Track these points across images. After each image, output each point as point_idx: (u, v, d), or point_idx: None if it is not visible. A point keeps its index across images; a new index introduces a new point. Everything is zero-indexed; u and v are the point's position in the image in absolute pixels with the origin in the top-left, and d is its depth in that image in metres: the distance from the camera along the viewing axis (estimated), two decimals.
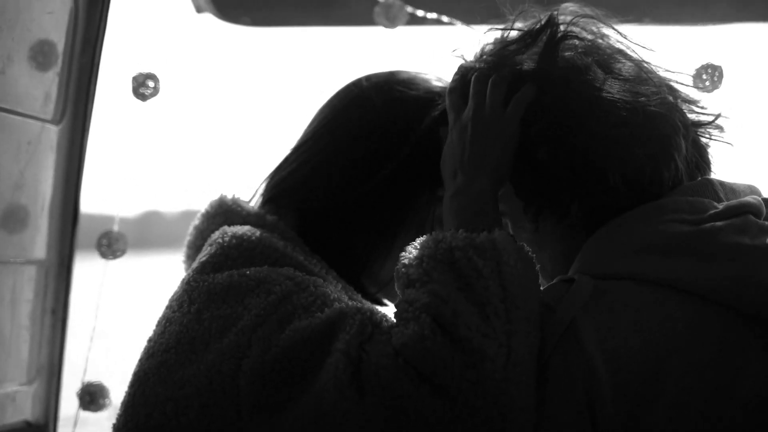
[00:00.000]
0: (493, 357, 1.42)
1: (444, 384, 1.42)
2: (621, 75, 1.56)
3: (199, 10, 2.64)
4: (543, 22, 1.61)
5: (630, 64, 1.58)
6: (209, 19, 2.65)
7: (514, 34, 1.64)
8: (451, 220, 1.57)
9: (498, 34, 1.66)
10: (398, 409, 1.42)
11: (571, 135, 1.53)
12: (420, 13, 2.37)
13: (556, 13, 1.61)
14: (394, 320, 1.53)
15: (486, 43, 1.68)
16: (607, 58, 1.58)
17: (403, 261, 1.53)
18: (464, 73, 1.67)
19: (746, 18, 2.45)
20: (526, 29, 1.63)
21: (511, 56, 1.62)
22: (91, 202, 2.41)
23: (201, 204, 1.86)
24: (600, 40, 1.60)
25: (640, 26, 1.65)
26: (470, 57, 1.70)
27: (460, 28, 2.41)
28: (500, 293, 1.45)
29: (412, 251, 1.53)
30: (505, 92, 1.59)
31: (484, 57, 1.66)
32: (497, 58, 1.63)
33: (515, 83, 1.59)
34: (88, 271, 2.55)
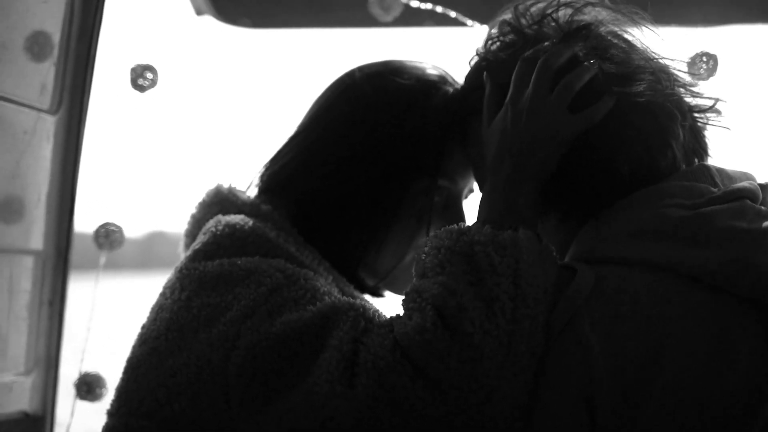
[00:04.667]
0: (491, 355, 1.41)
1: (439, 378, 1.42)
2: (619, 64, 1.56)
3: (198, 12, 2.64)
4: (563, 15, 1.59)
5: (628, 51, 1.57)
6: (209, 21, 2.65)
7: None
8: (483, 210, 1.55)
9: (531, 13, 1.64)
10: (391, 403, 1.42)
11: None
12: (414, 3, 2.37)
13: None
14: (388, 315, 1.53)
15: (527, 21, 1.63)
16: (607, 46, 1.57)
17: (424, 249, 1.52)
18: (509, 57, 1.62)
19: (739, 19, 2.45)
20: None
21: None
22: (88, 193, 2.41)
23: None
24: (600, 28, 1.59)
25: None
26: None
27: (461, 29, 2.41)
28: (512, 291, 1.44)
29: (432, 240, 1.51)
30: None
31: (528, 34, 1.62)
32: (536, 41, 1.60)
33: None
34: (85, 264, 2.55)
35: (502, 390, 1.42)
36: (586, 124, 1.52)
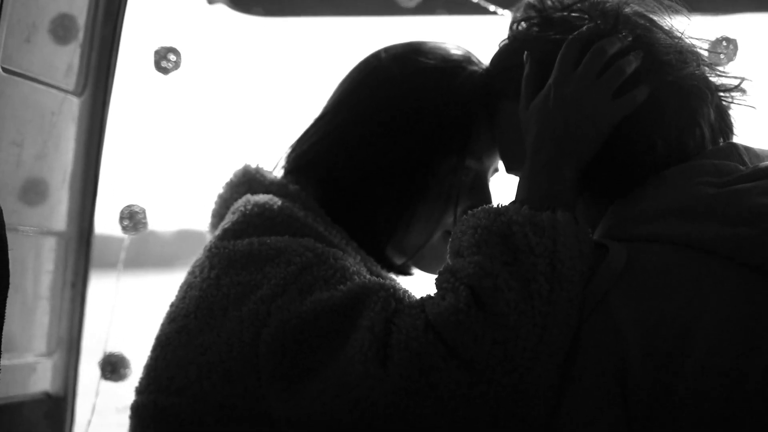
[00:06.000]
0: (525, 336, 1.42)
1: (472, 359, 1.42)
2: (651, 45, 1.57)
3: (210, 1, 2.65)
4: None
5: (661, 33, 1.58)
6: (222, 9, 2.66)
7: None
8: (522, 191, 1.55)
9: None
10: (424, 383, 1.43)
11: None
12: None
13: None
14: (417, 295, 1.54)
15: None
16: (644, 30, 1.58)
17: (459, 228, 1.53)
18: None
19: (750, 8, 2.45)
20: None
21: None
22: (112, 176, 2.42)
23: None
24: (626, 8, 1.60)
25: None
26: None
27: (474, 18, 2.41)
28: (548, 272, 1.44)
29: (469, 220, 1.51)
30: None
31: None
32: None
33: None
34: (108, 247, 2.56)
35: (536, 371, 1.42)
36: (628, 109, 1.53)
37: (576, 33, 1.56)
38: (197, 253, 1.73)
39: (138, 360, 2.08)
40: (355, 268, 1.61)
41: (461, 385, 1.42)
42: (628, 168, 1.54)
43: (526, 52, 1.62)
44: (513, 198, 1.56)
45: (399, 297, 1.53)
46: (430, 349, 1.43)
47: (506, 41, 1.71)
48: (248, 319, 1.56)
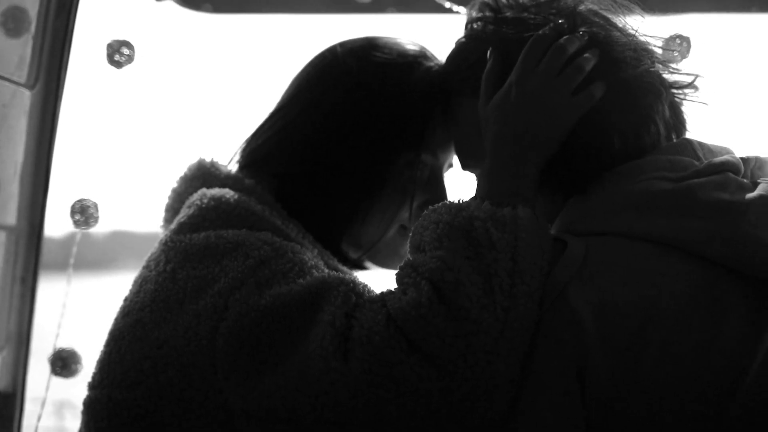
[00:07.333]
0: (487, 330, 1.43)
1: (434, 353, 1.43)
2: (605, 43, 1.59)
3: None
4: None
5: (616, 31, 1.60)
6: (170, 6, 2.64)
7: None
8: (482, 187, 1.56)
9: None
10: (386, 377, 1.44)
11: None
12: None
13: None
14: (378, 291, 1.55)
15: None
16: (599, 27, 1.60)
17: (420, 223, 1.53)
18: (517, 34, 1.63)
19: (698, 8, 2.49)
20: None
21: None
22: (63, 170, 2.39)
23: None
24: (580, 6, 1.62)
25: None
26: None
27: (424, 16, 2.42)
28: (510, 267, 1.46)
29: (430, 215, 1.52)
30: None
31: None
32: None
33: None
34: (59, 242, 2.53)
35: (498, 365, 1.44)
36: (587, 105, 1.55)
37: (540, 31, 1.58)
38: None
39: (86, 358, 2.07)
40: (313, 262, 1.61)
41: (423, 379, 1.43)
42: (585, 164, 1.56)
43: (490, 49, 1.62)
44: (473, 194, 1.57)
45: (359, 291, 1.54)
46: (392, 344, 1.44)
47: (463, 39, 1.72)
48: (205, 313, 1.55)
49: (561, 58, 1.55)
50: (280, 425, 1.50)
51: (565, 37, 1.56)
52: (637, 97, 1.56)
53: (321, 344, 1.47)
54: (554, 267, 1.48)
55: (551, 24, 1.58)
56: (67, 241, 2.24)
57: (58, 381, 2.25)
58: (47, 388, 2.18)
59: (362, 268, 1.86)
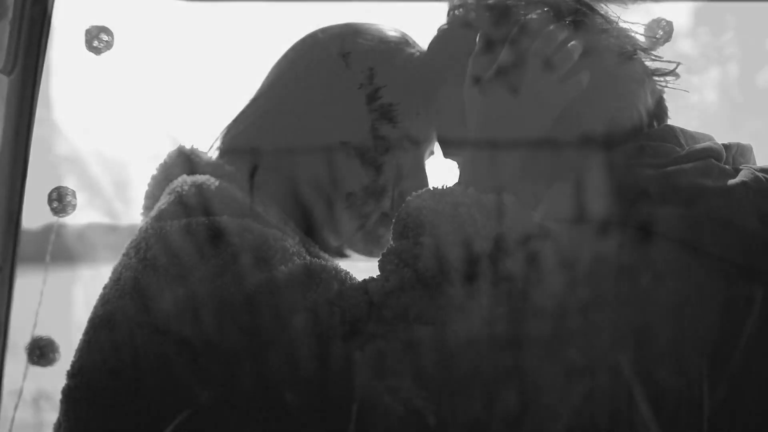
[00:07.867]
0: (471, 316, 1.43)
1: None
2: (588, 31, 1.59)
3: None
4: None
5: (600, 18, 1.60)
6: None
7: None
8: (466, 173, 1.56)
9: None
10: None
11: None
12: None
13: None
14: (361, 277, 1.54)
15: None
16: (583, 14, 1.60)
17: (404, 209, 1.53)
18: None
19: None
20: None
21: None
22: (41, 159, 2.37)
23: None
24: None
25: None
26: None
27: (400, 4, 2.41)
28: (494, 254, 1.45)
29: (414, 201, 1.52)
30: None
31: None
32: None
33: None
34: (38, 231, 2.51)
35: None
36: (575, 92, 1.55)
37: (530, 18, 1.57)
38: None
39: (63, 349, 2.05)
40: (294, 249, 1.60)
41: None
42: (568, 151, 1.56)
43: (479, 33, 1.62)
44: (456, 180, 1.57)
45: (341, 279, 1.53)
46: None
47: (445, 26, 1.71)
48: (186, 301, 1.54)
49: (550, 45, 1.55)
50: (260, 413, 1.49)
51: (553, 24, 1.56)
52: (619, 84, 1.57)
53: (303, 331, 1.46)
54: (538, 254, 1.48)
55: (537, 11, 1.58)
56: (44, 232, 2.22)
57: (35, 372, 2.23)
58: (24, 377, 2.17)
59: (343, 255, 1.85)
